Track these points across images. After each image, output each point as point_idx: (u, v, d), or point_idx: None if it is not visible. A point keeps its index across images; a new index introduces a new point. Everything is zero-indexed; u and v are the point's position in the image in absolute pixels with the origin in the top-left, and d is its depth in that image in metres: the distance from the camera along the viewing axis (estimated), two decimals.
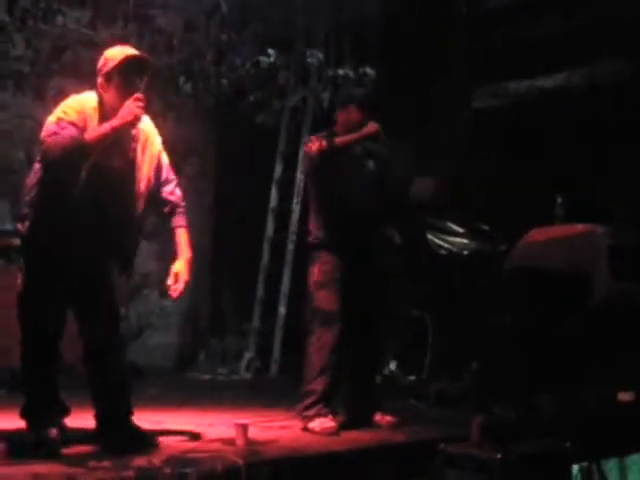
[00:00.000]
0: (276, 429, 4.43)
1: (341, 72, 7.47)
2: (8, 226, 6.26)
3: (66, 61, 6.91)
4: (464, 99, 7.35)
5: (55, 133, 3.62)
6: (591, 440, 4.54)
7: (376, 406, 4.63)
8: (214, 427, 4.43)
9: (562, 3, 6.84)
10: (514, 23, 7.09)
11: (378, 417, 4.55)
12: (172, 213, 4.00)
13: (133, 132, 3.83)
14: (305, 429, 4.41)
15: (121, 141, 3.78)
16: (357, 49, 7.57)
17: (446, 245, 6.85)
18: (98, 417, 3.83)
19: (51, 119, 3.70)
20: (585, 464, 4.97)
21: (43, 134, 3.69)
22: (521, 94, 7.17)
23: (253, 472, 3.47)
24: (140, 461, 3.42)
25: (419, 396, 5.62)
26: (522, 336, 5.57)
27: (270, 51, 7.54)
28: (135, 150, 3.85)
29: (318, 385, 4.44)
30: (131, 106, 3.63)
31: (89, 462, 3.38)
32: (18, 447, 3.60)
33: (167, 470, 3.31)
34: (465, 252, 6.78)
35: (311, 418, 4.41)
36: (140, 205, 3.85)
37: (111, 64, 3.74)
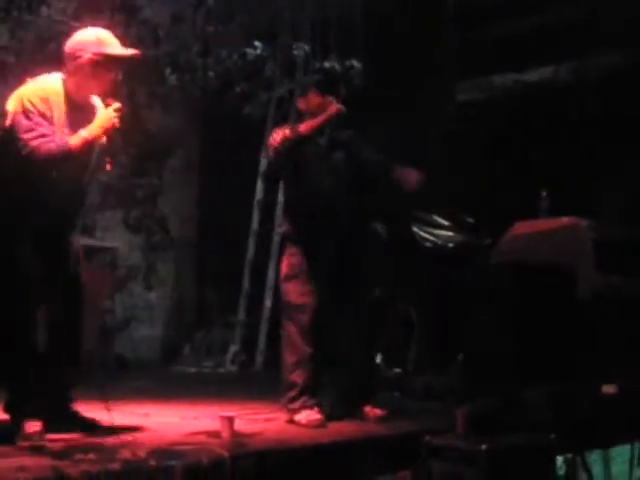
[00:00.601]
0: (262, 421, 4.43)
1: (327, 64, 7.47)
2: None
3: (51, 52, 6.88)
4: (449, 92, 7.36)
5: (32, 130, 3.59)
6: (575, 432, 4.58)
7: (368, 398, 4.63)
8: (200, 420, 4.42)
9: None
10: (500, 16, 7.10)
11: (367, 409, 4.56)
12: None
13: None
14: (291, 421, 4.41)
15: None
16: (343, 41, 7.56)
17: (431, 238, 6.86)
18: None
19: (16, 108, 3.65)
20: (569, 456, 5.02)
21: (18, 130, 3.62)
22: (507, 87, 7.19)
23: (239, 464, 3.46)
24: (126, 453, 3.41)
25: (404, 389, 5.63)
26: (507, 329, 5.59)
27: (256, 43, 7.53)
28: None
29: (298, 377, 4.42)
30: (111, 115, 3.67)
31: (75, 455, 3.37)
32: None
33: (152, 462, 3.30)
34: (450, 245, 6.79)
35: (297, 411, 4.40)
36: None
37: (85, 55, 3.69)
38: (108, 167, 3.78)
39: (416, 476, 3.92)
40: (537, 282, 5.53)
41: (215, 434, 3.86)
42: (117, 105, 3.68)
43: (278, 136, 4.44)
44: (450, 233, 6.85)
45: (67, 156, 3.62)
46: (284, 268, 4.52)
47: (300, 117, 4.69)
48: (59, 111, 3.68)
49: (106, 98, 3.76)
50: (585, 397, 5.00)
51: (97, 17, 6.92)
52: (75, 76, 3.73)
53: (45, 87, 3.72)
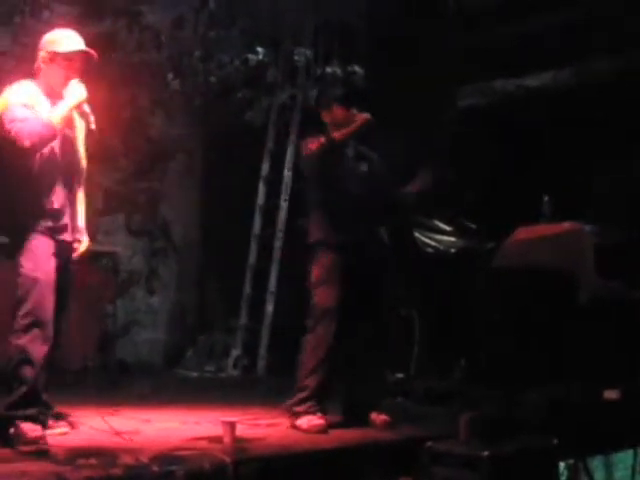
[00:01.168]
0: (263, 427, 4.43)
1: (329, 70, 7.48)
2: None
3: None
4: (451, 97, 7.37)
5: (14, 120, 3.77)
6: (578, 438, 4.57)
7: (375, 404, 4.63)
8: (201, 425, 4.42)
9: (550, 1, 6.86)
10: (501, 21, 7.10)
11: (374, 415, 4.56)
12: None
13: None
14: (293, 426, 4.41)
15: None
16: (345, 46, 7.57)
17: (433, 243, 6.87)
18: None
19: (2, 110, 3.85)
20: (572, 461, 5.01)
21: (2, 125, 3.80)
22: (508, 92, 7.19)
23: (240, 470, 3.46)
24: (127, 459, 3.41)
25: (407, 393, 5.63)
26: (509, 333, 5.59)
27: (258, 49, 7.53)
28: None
29: (311, 381, 4.45)
30: (78, 87, 3.95)
31: (77, 460, 3.37)
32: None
33: (155, 468, 3.30)
34: (452, 250, 6.80)
35: (299, 415, 4.41)
36: None
37: (57, 48, 3.97)
38: (92, 126, 4.02)
39: None
40: (539, 287, 5.53)
41: (217, 439, 3.86)
42: (77, 79, 3.97)
43: (314, 144, 4.59)
44: (452, 238, 6.86)
45: (51, 132, 3.82)
46: (315, 273, 4.58)
47: (320, 126, 4.77)
48: (43, 103, 3.92)
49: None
50: (587, 402, 5.00)
51: (99, 22, 6.94)
52: (42, 75, 4.01)
53: (25, 86, 3.97)
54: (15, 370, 3.78)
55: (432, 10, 7.35)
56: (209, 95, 7.65)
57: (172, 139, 7.89)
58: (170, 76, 7.40)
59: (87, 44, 4.06)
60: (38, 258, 3.83)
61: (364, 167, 4.77)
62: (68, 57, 3.98)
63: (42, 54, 4.00)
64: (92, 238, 4.32)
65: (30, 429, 3.69)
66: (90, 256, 4.57)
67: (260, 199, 8.15)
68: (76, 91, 3.95)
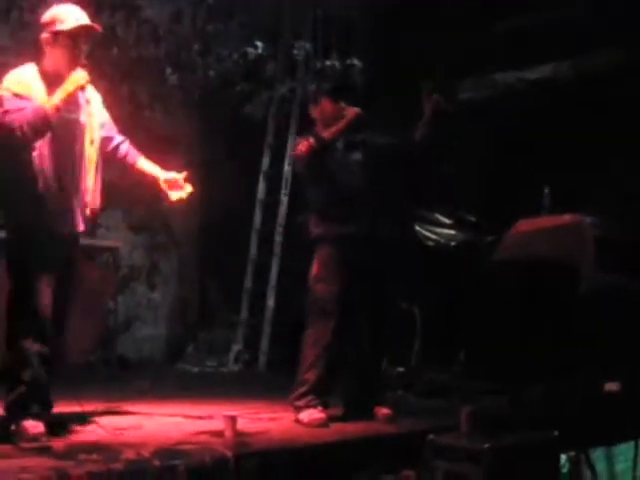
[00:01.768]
0: (265, 421, 4.43)
1: (328, 63, 7.46)
2: None
3: None
4: (452, 90, 7.34)
5: (7, 112, 3.73)
6: (579, 430, 4.57)
7: (377, 398, 4.63)
8: (203, 419, 4.43)
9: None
10: (502, 14, 7.08)
11: (376, 409, 4.56)
12: (119, 148, 4.22)
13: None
14: (295, 420, 4.41)
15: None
16: (344, 40, 7.55)
17: (433, 236, 6.86)
18: None
19: None
20: (573, 453, 5.01)
21: None
22: (508, 85, 7.17)
23: (242, 464, 3.47)
24: (129, 453, 3.42)
25: (407, 387, 5.63)
26: (510, 326, 5.59)
27: (257, 42, 7.51)
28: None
29: (311, 375, 4.45)
30: (80, 72, 3.83)
31: (78, 455, 3.37)
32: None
33: (156, 462, 3.31)
34: (452, 243, 6.79)
35: (300, 409, 4.41)
36: None
37: (61, 26, 3.87)
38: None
39: (420, 475, 3.92)
40: (540, 279, 5.53)
41: (218, 434, 3.86)
42: (83, 63, 3.88)
43: (303, 146, 4.49)
44: (452, 231, 6.85)
45: (44, 119, 3.73)
46: (316, 269, 4.55)
47: (312, 124, 4.71)
48: (37, 91, 3.83)
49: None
50: (588, 395, 5.00)
51: (97, 16, 6.91)
52: (45, 56, 3.92)
53: (19, 72, 3.90)
54: (15, 368, 3.78)
55: (431, 2, 7.32)
56: (208, 89, 7.63)
57: (171, 133, 7.87)
58: (169, 70, 7.38)
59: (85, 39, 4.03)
60: (38, 254, 3.82)
61: (357, 156, 4.66)
62: (72, 34, 3.87)
63: (44, 36, 3.89)
64: (92, 233, 4.31)
65: (31, 426, 3.69)
66: (90, 251, 4.56)
67: (260, 193, 8.14)
68: (76, 75, 3.84)
